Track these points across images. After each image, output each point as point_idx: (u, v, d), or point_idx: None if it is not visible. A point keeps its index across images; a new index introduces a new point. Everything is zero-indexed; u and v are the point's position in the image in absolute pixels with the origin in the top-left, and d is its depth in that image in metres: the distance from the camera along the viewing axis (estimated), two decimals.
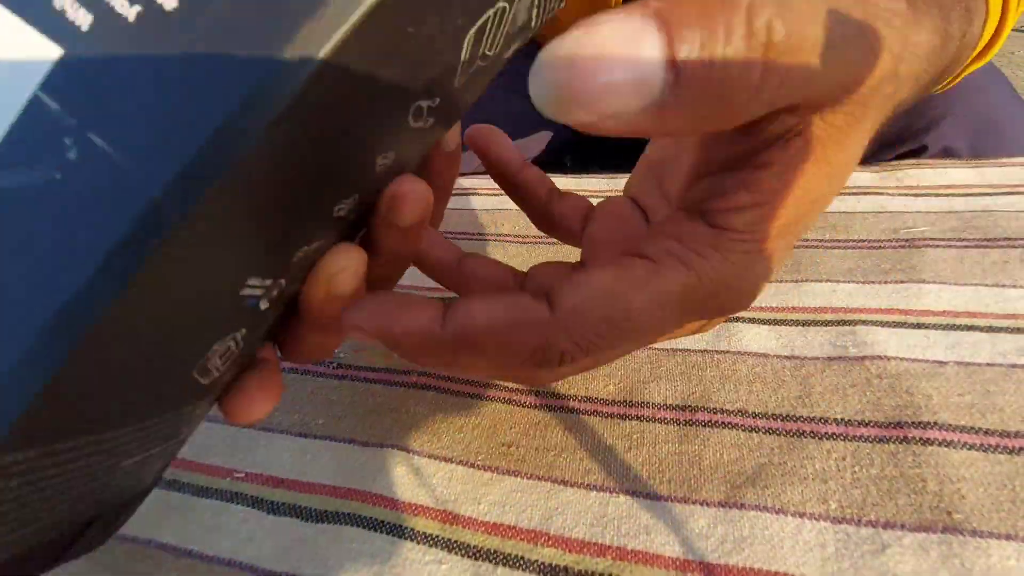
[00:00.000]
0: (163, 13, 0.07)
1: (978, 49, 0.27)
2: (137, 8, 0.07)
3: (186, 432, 0.12)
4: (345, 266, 0.11)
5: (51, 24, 0.07)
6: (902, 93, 0.12)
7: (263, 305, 0.10)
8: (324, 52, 0.07)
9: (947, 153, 0.32)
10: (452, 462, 0.18)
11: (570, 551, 0.15)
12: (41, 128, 0.07)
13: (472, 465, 0.17)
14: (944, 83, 0.26)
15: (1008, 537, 0.14)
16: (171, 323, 0.08)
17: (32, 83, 0.07)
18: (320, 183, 0.09)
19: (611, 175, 0.34)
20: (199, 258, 0.08)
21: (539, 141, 0.44)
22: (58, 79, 0.07)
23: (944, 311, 0.21)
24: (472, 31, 0.09)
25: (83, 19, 0.07)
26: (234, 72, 0.07)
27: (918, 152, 0.33)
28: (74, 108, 0.07)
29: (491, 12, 0.09)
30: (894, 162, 0.32)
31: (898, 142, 0.33)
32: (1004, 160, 0.31)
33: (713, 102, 0.09)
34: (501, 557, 0.15)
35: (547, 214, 0.18)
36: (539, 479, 0.17)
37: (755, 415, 0.18)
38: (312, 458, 0.18)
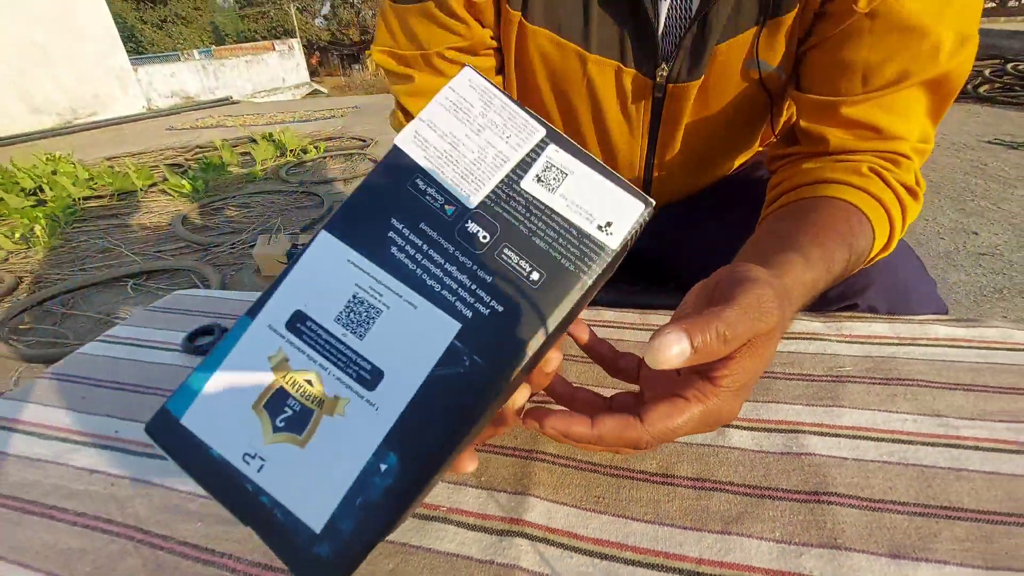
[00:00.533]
0: (532, 283, 0.22)
1: (874, 254, 0.43)
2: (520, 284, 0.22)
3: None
4: (526, 396, 0.25)
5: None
6: (798, 305, 0.27)
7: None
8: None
9: (872, 310, 0.47)
10: (565, 504, 0.31)
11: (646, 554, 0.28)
12: (454, 354, 0.22)
13: (578, 507, 0.31)
14: (856, 269, 0.42)
15: (869, 552, 0.27)
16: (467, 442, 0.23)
17: (452, 333, 0.22)
18: (541, 356, 0.24)
19: (643, 311, 0.49)
20: (497, 402, 0.22)
21: None
22: (465, 334, 0.22)
23: (852, 427, 0.34)
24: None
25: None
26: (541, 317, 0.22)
27: (852, 308, 0.48)
28: (469, 346, 0.22)
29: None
30: (836, 314, 0.47)
31: (839, 300, 0.48)
32: (909, 318, 0.46)
33: (709, 355, 0.23)
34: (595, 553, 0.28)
35: (615, 367, 0.33)
36: (615, 515, 0.30)
37: (739, 484, 0.31)
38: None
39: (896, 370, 0.39)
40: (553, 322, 0.22)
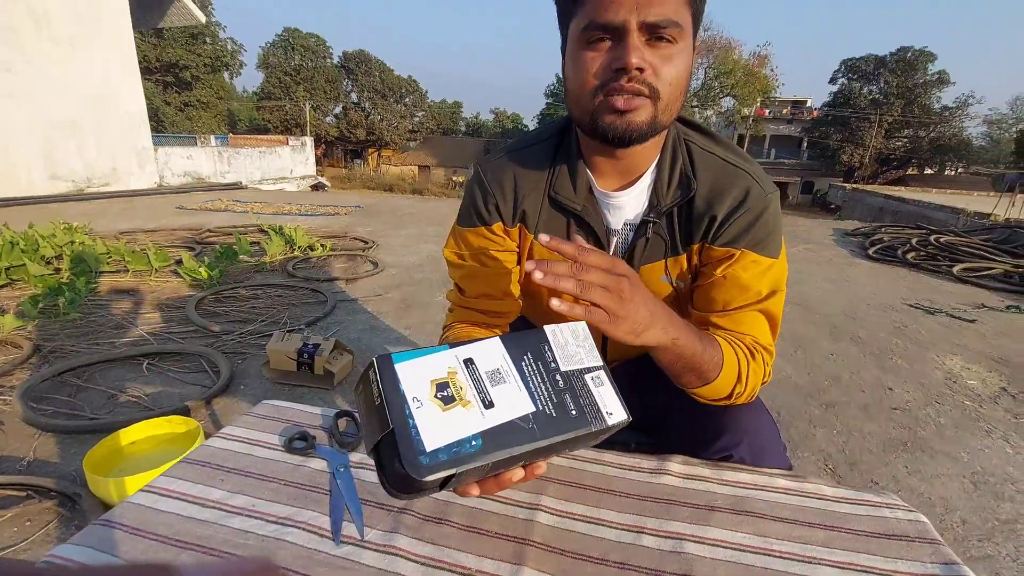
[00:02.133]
0: (569, 415, 0.48)
1: (725, 382, 0.69)
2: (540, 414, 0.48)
3: None
4: (520, 475, 0.50)
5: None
6: (680, 323, 0.58)
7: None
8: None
9: (741, 461, 0.73)
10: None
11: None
12: (525, 419, 0.46)
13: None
14: (710, 375, 0.68)
15: None
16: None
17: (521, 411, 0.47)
18: (551, 452, 0.49)
19: (599, 450, 0.74)
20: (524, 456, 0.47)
21: None
22: (534, 414, 0.47)
23: (714, 538, 0.58)
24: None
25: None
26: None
27: (728, 458, 0.74)
28: (533, 420, 0.47)
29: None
30: (718, 461, 0.72)
31: (721, 451, 0.74)
32: (763, 470, 0.71)
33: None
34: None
35: None
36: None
37: (645, 567, 0.54)
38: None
39: (747, 505, 0.64)
40: (566, 437, 0.47)
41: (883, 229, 5.98)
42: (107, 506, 1.30)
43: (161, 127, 27.96)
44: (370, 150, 40.07)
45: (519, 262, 0.84)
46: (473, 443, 0.43)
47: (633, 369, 0.95)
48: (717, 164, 0.74)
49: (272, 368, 2.06)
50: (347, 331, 2.60)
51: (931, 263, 4.57)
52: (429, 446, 0.41)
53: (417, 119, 40.39)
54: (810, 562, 0.56)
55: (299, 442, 0.73)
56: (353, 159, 40.12)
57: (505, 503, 0.63)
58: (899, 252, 4.86)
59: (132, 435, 1.49)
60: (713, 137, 0.77)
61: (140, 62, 9.08)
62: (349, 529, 0.59)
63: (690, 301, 0.79)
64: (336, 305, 2.93)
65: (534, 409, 0.46)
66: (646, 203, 0.76)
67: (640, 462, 0.72)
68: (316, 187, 14.58)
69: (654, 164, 0.74)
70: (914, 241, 5.09)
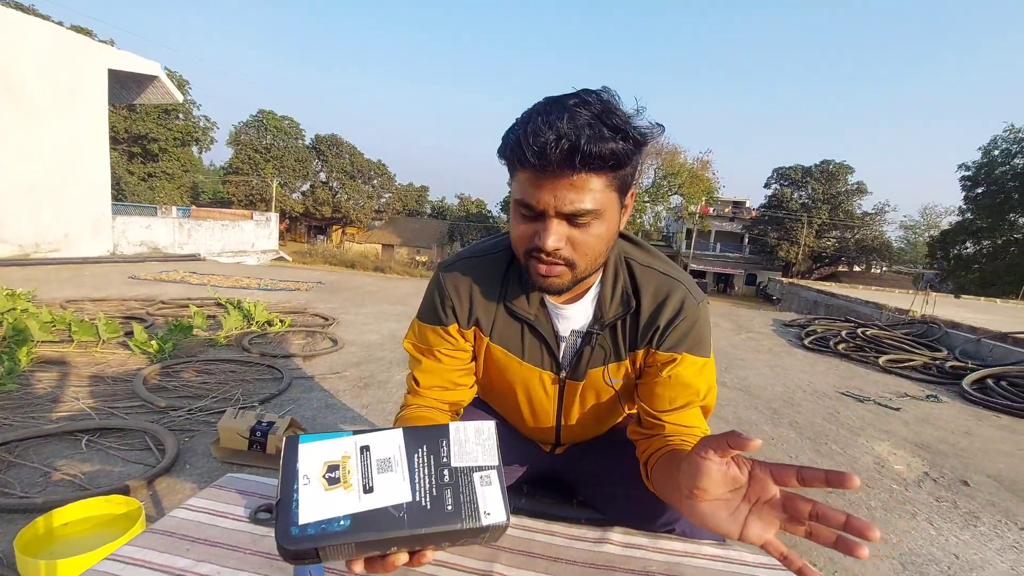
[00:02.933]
0: (446, 508, 0.53)
1: None
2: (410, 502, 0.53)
3: None
4: (404, 559, 0.54)
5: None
6: None
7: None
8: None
9: (682, 533, 0.81)
10: None
11: None
12: (398, 507, 0.51)
13: None
14: None
15: None
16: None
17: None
18: (427, 542, 0.54)
19: (548, 521, 0.81)
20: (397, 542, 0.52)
21: (515, 471, 0.94)
22: (409, 504, 0.52)
23: None
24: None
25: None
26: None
27: (671, 530, 0.82)
28: (406, 509, 0.51)
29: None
30: (658, 533, 0.80)
31: (665, 525, 0.82)
32: (696, 540, 0.80)
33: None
34: None
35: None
36: None
37: None
38: None
39: (679, 570, 0.72)
40: (436, 530, 0.48)
41: (816, 321, 6.46)
42: None
43: (122, 195, 27.58)
44: (334, 227, 40.46)
45: (473, 358, 0.92)
46: (342, 522, 0.47)
47: (581, 450, 1.04)
48: (657, 278, 0.83)
49: (221, 447, 2.01)
50: (302, 409, 2.56)
51: (859, 354, 4.95)
52: (302, 520, 0.46)
53: (384, 200, 41.46)
54: None
55: (264, 513, 0.77)
56: (317, 235, 40.29)
57: (460, 570, 0.69)
58: (831, 343, 5.24)
59: (67, 515, 1.42)
60: (649, 251, 0.90)
61: (108, 132, 9.18)
62: None
63: (635, 395, 0.89)
64: (292, 382, 2.89)
65: (410, 500, 0.49)
66: (591, 315, 0.83)
67: (585, 532, 0.79)
68: (278, 260, 14.48)
69: (598, 280, 0.83)
70: (844, 333, 5.52)
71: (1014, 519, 2.08)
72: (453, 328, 0.87)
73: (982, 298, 13.07)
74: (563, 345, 0.87)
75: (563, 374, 0.88)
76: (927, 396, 3.79)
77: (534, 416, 0.96)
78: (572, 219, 0.67)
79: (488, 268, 0.86)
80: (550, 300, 0.84)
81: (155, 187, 30.98)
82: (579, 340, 0.86)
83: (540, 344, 0.86)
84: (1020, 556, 1.81)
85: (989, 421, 3.37)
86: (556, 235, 0.67)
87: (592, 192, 0.65)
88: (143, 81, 10.04)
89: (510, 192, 0.72)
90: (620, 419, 1.05)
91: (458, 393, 0.91)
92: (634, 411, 0.95)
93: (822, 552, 1.74)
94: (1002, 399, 3.72)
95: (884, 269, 40.92)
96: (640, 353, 0.85)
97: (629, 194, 0.73)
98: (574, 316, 0.84)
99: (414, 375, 0.91)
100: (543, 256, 0.69)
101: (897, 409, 3.41)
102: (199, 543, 0.71)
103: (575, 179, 0.64)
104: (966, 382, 4.01)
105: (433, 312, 0.87)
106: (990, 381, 4.03)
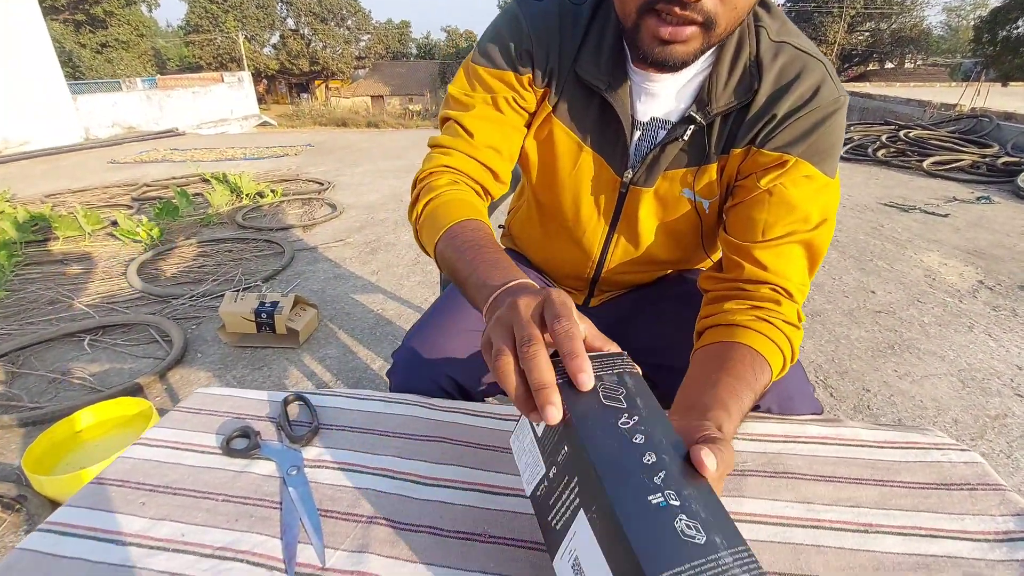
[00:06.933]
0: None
1: (773, 381, 0.58)
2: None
3: None
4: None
5: None
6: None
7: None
8: None
9: (768, 411, 0.63)
10: None
11: None
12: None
13: None
14: (761, 397, 0.57)
15: None
16: None
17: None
18: None
19: None
20: None
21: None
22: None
23: (750, 513, 0.49)
24: None
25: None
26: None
27: (755, 408, 0.63)
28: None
29: None
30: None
31: None
32: (792, 418, 0.62)
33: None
34: None
35: None
36: None
37: None
38: None
39: (782, 464, 0.55)
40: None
41: (852, 127, 5.88)
42: (58, 506, 1.17)
43: (79, 73, 25.30)
44: (317, 82, 37.40)
45: (527, 128, 0.69)
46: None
47: (626, 305, 0.83)
48: (791, 53, 0.59)
49: (229, 332, 1.89)
50: (309, 282, 2.42)
51: (901, 159, 4.53)
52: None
53: (363, 43, 37.55)
54: (866, 531, 0.47)
55: (240, 440, 0.60)
56: (299, 94, 37.48)
57: (496, 492, 0.52)
58: (869, 150, 4.79)
59: (76, 424, 1.34)
60: (785, 23, 0.61)
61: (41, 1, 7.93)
62: (307, 553, 0.47)
63: (721, 225, 0.66)
64: (294, 255, 2.72)
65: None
66: (691, 99, 0.61)
67: None
68: (263, 126, 13.61)
69: (712, 50, 0.58)
70: (884, 138, 5.02)
71: None
72: (527, 79, 0.65)
73: None
74: (636, 135, 0.64)
75: (628, 175, 0.65)
76: (978, 198, 3.49)
77: (575, 242, 0.75)
78: None
79: (571, 18, 0.64)
80: (637, 68, 0.61)
81: (113, 59, 28.23)
82: (662, 133, 0.63)
83: (610, 128, 0.64)
84: None
85: None
86: None
87: None
88: None
89: None
90: (696, 265, 0.82)
91: (506, 168, 0.69)
92: (716, 258, 0.71)
93: (875, 376, 1.64)
94: None
95: (919, 63, 37.13)
96: (737, 154, 0.60)
97: None
98: (663, 94, 0.62)
99: (464, 126, 0.66)
100: (674, 9, 0.48)
101: (945, 215, 3.14)
102: (158, 492, 0.54)
103: None
104: (1021, 179, 3.66)
105: (503, 54, 0.64)
106: None
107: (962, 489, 0.52)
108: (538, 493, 0.37)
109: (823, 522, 0.48)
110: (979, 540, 0.46)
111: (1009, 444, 1.34)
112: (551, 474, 0.36)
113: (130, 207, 3.76)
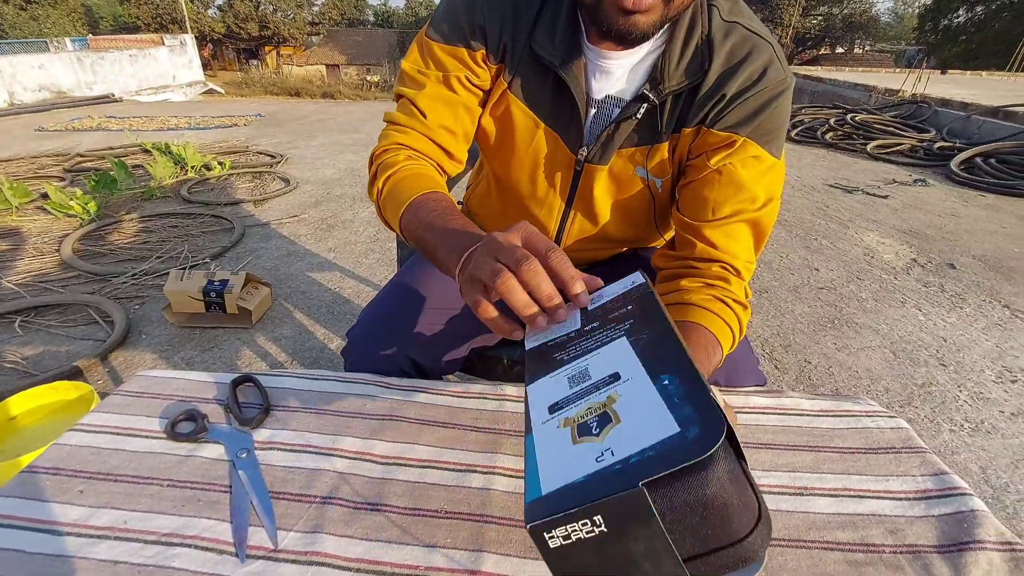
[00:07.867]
0: None
1: (725, 353, 0.60)
2: None
3: None
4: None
5: None
6: None
7: None
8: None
9: (715, 383, 0.66)
10: None
11: None
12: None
13: None
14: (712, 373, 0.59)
15: None
16: None
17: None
18: None
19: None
20: None
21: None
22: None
23: None
24: None
25: None
26: None
27: None
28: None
29: None
30: None
31: None
32: (737, 389, 0.65)
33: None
34: None
35: None
36: None
37: None
38: None
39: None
40: None
41: (803, 110, 6.07)
42: None
43: (1, 32, 23.06)
44: (267, 48, 35.43)
45: (482, 107, 0.69)
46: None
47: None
48: (740, 34, 0.59)
49: (176, 312, 1.81)
50: (262, 260, 2.33)
51: (847, 142, 4.73)
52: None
53: (317, 8, 35.75)
54: (801, 494, 0.51)
55: (186, 424, 0.58)
56: (248, 60, 35.43)
57: (454, 469, 0.52)
58: (818, 133, 4.97)
59: (10, 410, 1.26)
60: (737, 2, 0.61)
61: None
62: (258, 536, 0.46)
63: (673, 203, 0.67)
64: (245, 232, 2.61)
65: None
66: (644, 77, 0.62)
67: None
68: (209, 93, 12.83)
69: (664, 28, 0.59)
70: (832, 121, 5.21)
71: (998, 297, 2.10)
72: (480, 55, 0.65)
73: (967, 72, 12.50)
74: (592, 113, 0.65)
75: (583, 153, 0.66)
76: (915, 181, 3.69)
77: (532, 219, 0.75)
78: None
79: None
80: (591, 45, 0.62)
81: (39, 16, 25.82)
82: (616, 110, 0.63)
83: (565, 106, 0.64)
84: (1004, 333, 1.85)
85: (975, 201, 3.32)
86: None
87: None
88: None
89: None
90: (651, 244, 0.84)
91: (461, 148, 0.69)
92: (669, 237, 0.73)
93: (816, 349, 1.74)
94: (989, 177, 3.65)
95: (867, 48, 38.52)
96: (688, 133, 0.61)
97: None
98: (618, 72, 0.62)
99: (417, 105, 0.65)
100: None
101: (885, 197, 3.32)
102: (97, 479, 0.52)
103: None
104: (954, 163, 3.89)
105: (456, 29, 0.64)
106: (979, 160, 3.91)
107: (888, 452, 0.56)
108: (548, 343, 0.41)
109: (763, 487, 0.51)
110: (901, 499, 0.50)
111: (933, 410, 1.45)
112: (586, 328, 0.40)
113: (62, 179, 3.49)
